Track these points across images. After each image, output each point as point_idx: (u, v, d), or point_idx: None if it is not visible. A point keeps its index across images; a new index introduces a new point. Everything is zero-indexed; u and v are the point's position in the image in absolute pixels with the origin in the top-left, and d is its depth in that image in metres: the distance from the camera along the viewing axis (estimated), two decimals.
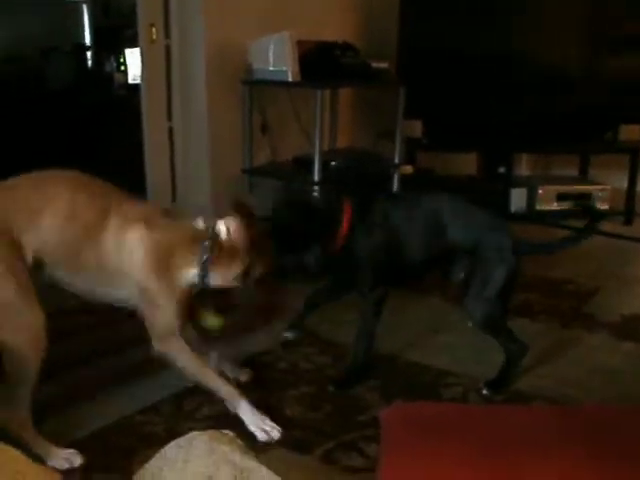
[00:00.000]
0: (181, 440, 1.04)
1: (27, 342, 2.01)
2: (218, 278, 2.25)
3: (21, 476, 0.81)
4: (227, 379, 2.33)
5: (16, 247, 2.03)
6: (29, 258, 2.07)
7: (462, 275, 2.58)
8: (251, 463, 0.99)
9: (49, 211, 2.09)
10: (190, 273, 2.22)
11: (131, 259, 2.15)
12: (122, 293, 2.24)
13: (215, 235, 2.20)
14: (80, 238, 2.13)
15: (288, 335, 2.93)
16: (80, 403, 2.44)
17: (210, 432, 1.06)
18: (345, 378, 2.61)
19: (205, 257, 2.18)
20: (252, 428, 2.20)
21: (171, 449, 1.04)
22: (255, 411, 2.22)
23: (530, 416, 1.71)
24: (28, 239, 2.06)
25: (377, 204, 2.64)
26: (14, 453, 0.84)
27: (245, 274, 2.28)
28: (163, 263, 2.17)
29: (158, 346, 2.23)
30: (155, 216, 2.21)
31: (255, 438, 2.17)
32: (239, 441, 1.09)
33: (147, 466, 1.01)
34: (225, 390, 2.25)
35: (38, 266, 2.11)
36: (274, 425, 2.22)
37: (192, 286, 2.25)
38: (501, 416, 1.72)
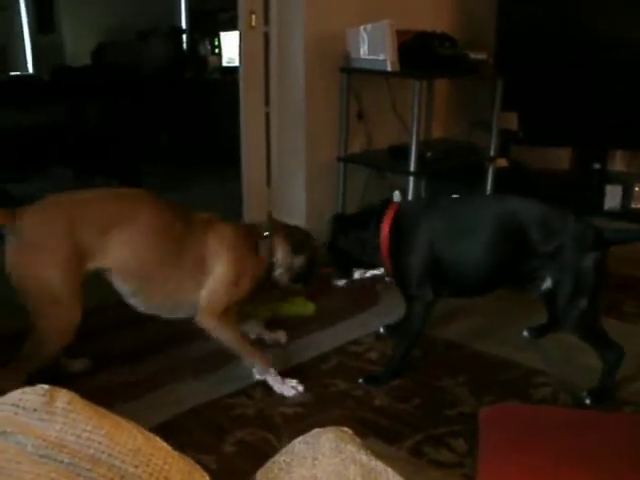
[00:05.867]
0: (307, 436, 1.08)
1: (54, 333, 2.22)
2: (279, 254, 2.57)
3: (168, 466, 0.85)
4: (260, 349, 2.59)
5: (77, 252, 2.19)
6: (90, 264, 2.23)
7: (549, 284, 2.40)
8: (378, 464, 1.02)
9: (130, 227, 2.26)
10: (262, 246, 2.53)
11: (220, 253, 2.40)
12: (190, 299, 2.42)
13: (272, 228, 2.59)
14: (172, 249, 2.34)
15: (382, 330, 2.96)
16: (172, 384, 2.53)
17: (333, 429, 1.09)
18: (379, 375, 2.60)
19: (269, 240, 2.54)
20: (280, 390, 2.48)
21: (299, 445, 1.07)
22: (279, 377, 2.51)
23: (628, 425, 1.68)
24: (95, 248, 2.22)
25: (425, 208, 2.61)
26: (161, 444, 0.88)
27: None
28: (244, 248, 2.47)
29: (208, 319, 2.43)
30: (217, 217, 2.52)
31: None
32: (358, 439, 1.12)
33: (274, 459, 1.05)
34: (258, 360, 2.51)
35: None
36: (298, 382, 2.51)
37: (263, 265, 2.54)
38: (597, 423, 1.69)
